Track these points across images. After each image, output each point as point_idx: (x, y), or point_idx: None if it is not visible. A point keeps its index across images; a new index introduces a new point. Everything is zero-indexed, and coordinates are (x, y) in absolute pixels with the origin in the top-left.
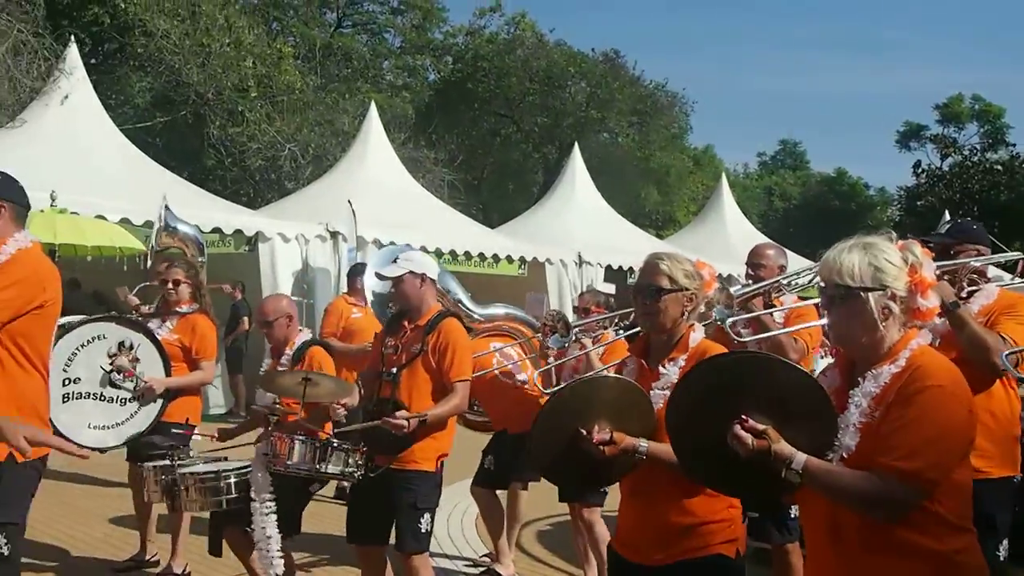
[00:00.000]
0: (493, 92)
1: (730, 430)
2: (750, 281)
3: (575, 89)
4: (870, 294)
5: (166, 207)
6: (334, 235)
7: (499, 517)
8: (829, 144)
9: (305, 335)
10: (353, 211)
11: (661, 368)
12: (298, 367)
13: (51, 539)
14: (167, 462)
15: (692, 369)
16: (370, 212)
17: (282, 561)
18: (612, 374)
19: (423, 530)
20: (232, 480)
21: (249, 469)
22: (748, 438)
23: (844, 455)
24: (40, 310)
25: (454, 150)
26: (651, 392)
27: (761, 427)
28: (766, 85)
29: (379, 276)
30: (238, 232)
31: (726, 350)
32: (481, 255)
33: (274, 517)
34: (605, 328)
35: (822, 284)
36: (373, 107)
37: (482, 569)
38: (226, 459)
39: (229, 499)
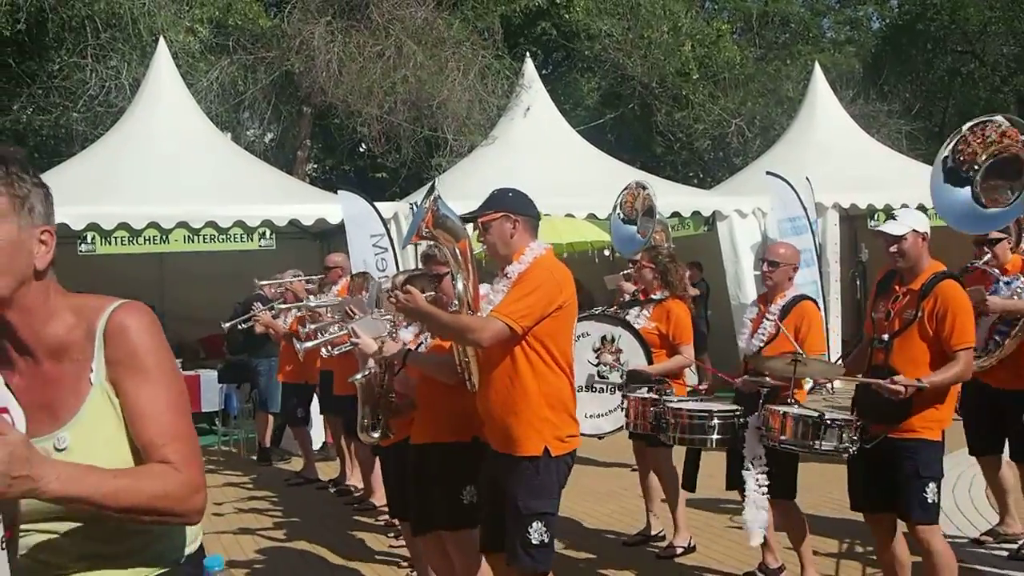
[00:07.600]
0: (948, 28)
1: None
2: None
3: None
4: None
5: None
6: None
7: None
8: None
9: (795, 290)
10: (808, 180)
11: None
12: (786, 321)
13: (565, 514)
14: (654, 395)
15: None
16: (826, 177)
17: (761, 533)
18: None
19: (929, 500)
20: (717, 422)
21: (735, 412)
22: None
23: None
24: (559, 311)
25: (909, 99)
26: None
27: None
28: None
29: (881, 234)
30: (696, 213)
31: None
32: None
33: (764, 489)
34: None
35: None
36: (817, 68)
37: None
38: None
39: (713, 439)
